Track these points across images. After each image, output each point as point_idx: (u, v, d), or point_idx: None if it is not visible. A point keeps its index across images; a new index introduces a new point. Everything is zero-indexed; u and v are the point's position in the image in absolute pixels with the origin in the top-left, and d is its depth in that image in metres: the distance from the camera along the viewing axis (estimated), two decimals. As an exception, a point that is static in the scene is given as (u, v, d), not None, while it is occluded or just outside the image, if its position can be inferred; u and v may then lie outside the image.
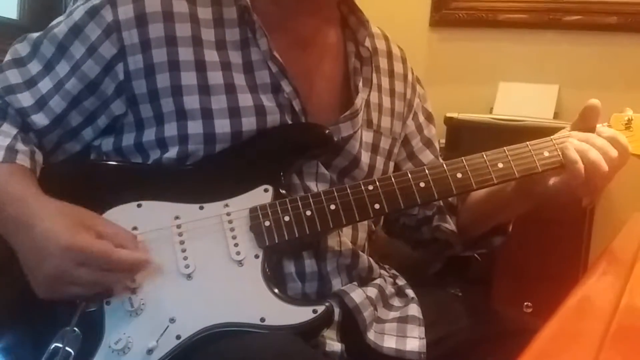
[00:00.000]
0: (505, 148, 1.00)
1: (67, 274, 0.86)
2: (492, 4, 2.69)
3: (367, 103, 1.10)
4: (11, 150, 0.95)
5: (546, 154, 1.00)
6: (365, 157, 1.08)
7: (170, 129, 0.97)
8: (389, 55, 1.18)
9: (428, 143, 1.20)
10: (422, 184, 0.97)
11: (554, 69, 2.61)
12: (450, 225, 1.15)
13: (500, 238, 1.14)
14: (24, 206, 0.90)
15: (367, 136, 1.09)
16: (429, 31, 2.80)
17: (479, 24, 2.71)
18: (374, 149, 1.10)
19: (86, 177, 0.93)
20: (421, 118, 1.21)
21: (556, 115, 2.50)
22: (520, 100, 2.53)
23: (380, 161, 1.11)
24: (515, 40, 2.68)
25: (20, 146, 0.97)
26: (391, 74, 1.17)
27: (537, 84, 2.57)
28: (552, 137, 1.02)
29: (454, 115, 2.43)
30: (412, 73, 1.22)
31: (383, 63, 1.16)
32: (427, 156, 1.19)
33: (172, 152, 0.97)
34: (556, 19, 2.60)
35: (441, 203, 1.16)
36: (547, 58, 2.63)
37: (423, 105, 1.22)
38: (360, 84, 1.08)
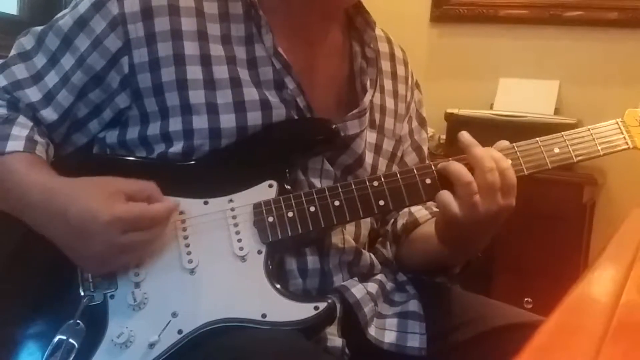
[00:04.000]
0: (514, 144, 0.99)
1: (116, 244, 0.88)
2: (493, 0, 2.69)
3: (371, 104, 1.09)
4: (31, 141, 0.96)
5: (557, 150, 1.00)
6: (368, 158, 1.08)
7: (175, 124, 0.97)
8: (392, 57, 1.18)
9: (417, 148, 1.20)
10: (428, 181, 0.97)
11: (554, 64, 2.61)
12: (387, 252, 1.14)
13: (442, 278, 1.13)
14: (49, 191, 0.90)
15: (371, 137, 1.09)
16: (430, 27, 2.79)
17: (479, 20, 2.71)
18: (377, 150, 1.11)
19: (91, 171, 0.94)
20: (414, 123, 1.21)
21: (557, 111, 2.50)
22: (520, 96, 2.53)
23: (382, 162, 1.11)
24: (515, 36, 2.68)
25: (38, 137, 0.98)
26: (394, 76, 1.17)
27: (537, 79, 2.57)
28: (563, 133, 1.01)
29: (455, 111, 2.43)
30: (412, 77, 1.22)
31: (386, 65, 1.16)
32: (413, 159, 1.19)
33: (178, 147, 0.97)
34: (557, 14, 2.60)
35: (389, 229, 1.16)
36: (548, 54, 2.63)
37: (418, 110, 1.22)
38: (368, 84, 1.08)
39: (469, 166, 0.94)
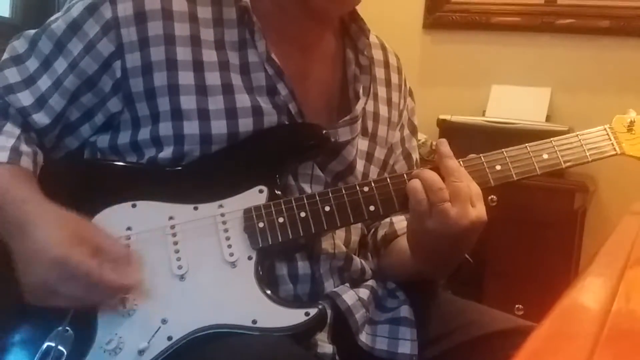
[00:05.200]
0: (503, 150, 1.00)
1: (51, 285, 0.85)
2: (486, 7, 2.70)
3: (364, 111, 1.09)
4: (16, 152, 0.95)
5: (545, 156, 1.00)
6: (359, 165, 1.08)
7: (166, 128, 0.97)
8: (386, 65, 1.18)
9: (407, 156, 1.21)
10: None
11: (546, 72, 2.62)
12: (369, 262, 1.13)
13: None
14: (24, 210, 0.89)
15: (363, 144, 1.09)
16: (423, 33, 2.80)
17: (472, 27, 2.72)
18: (369, 157, 1.10)
19: (81, 176, 0.93)
20: (406, 131, 1.21)
21: (548, 118, 2.51)
22: (512, 103, 2.54)
23: (374, 170, 1.11)
24: (508, 43, 2.69)
25: (24, 147, 0.97)
26: (388, 83, 1.17)
27: (529, 86, 2.58)
28: (552, 139, 1.02)
29: (447, 117, 2.44)
30: (406, 85, 1.22)
31: (380, 73, 1.16)
32: (402, 167, 1.19)
33: (168, 152, 0.97)
34: (549, 22, 2.61)
35: (369, 240, 1.16)
36: (540, 61, 2.64)
37: (410, 118, 1.22)
38: (360, 91, 1.08)
39: (441, 176, 0.95)
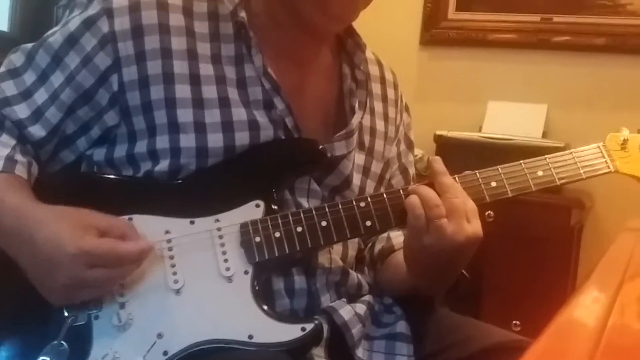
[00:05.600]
0: (498, 167, 1.01)
1: (81, 278, 0.86)
2: (482, 24, 2.71)
3: (360, 126, 1.10)
4: (10, 160, 0.95)
5: (540, 173, 1.01)
6: (356, 179, 1.08)
7: (162, 142, 0.97)
8: (382, 80, 1.19)
9: (404, 171, 1.21)
10: None
11: (542, 88, 2.63)
12: (366, 277, 1.13)
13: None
14: (22, 216, 0.89)
15: (359, 158, 1.10)
16: (419, 50, 2.81)
17: (468, 44, 2.73)
18: (365, 172, 1.11)
19: (78, 190, 0.93)
20: (402, 146, 1.22)
21: (545, 135, 2.52)
22: (509, 119, 2.55)
23: (370, 185, 1.11)
24: (504, 60, 2.70)
25: (19, 157, 0.97)
26: (384, 98, 1.17)
27: (525, 103, 2.59)
28: (546, 156, 1.03)
29: (444, 133, 2.45)
30: (402, 100, 1.22)
31: (376, 88, 1.17)
32: (399, 182, 1.19)
33: (164, 165, 0.97)
34: (545, 39, 2.62)
35: (366, 254, 1.16)
36: (536, 78, 2.65)
37: (406, 134, 1.23)
38: (356, 105, 1.09)
39: (437, 192, 0.95)
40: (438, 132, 2.45)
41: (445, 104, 2.76)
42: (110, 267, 0.87)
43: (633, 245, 1.02)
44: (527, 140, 2.37)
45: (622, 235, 1.14)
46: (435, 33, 2.77)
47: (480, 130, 2.56)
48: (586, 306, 0.70)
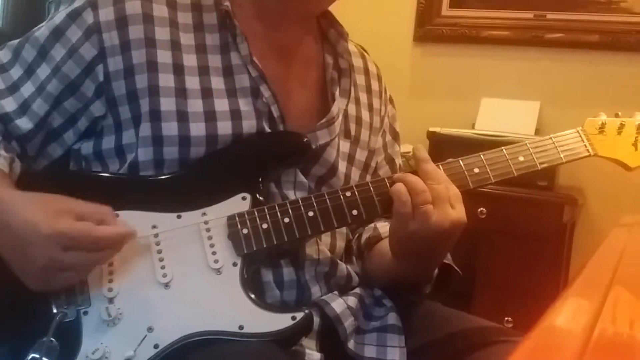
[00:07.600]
0: (480, 153, 1.02)
1: (56, 261, 0.85)
2: (476, 21, 2.72)
3: (346, 114, 1.11)
4: None
5: (521, 158, 1.02)
6: (342, 167, 1.09)
7: (145, 129, 0.97)
8: (366, 72, 1.19)
9: (391, 161, 1.22)
10: None
11: (535, 85, 2.64)
12: (354, 266, 1.13)
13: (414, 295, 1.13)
14: (0, 204, 0.88)
15: (344, 146, 1.10)
16: (413, 46, 2.82)
17: (462, 40, 2.74)
18: (350, 159, 1.11)
19: (64, 187, 0.93)
20: (388, 137, 1.22)
21: (537, 132, 2.52)
22: (502, 116, 2.55)
23: (355, 172, 1.12)
24: (498, 57, 2.71)
25: (2, 152, 0.96)
26: (368, 90, 1.18)
27: (519, 100, 2.60)
28: (526, 141, 1.05)
29: (437, 129, 2.45)
30: (386, 92, 1.23)
31: (360, 79, 1.17)
32: (386, 172, 1.20)
33: (148, 153, 0.97)
34: (538, 36, 2.63)
35: (354, 244, 1.16)
36: (529, 75, 2.66)
37: (392, 125, 1.24)
38: (337, 93, 1.09)
39: (421, 179, 0.97)
40: (431, 129, 2.46)
41: (439, 100, 2.76)
42: (87, 250, 0.86)
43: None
44: (520, 137, 2.36)
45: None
46: (429, 30, 2.78)
47: (473, 127, 2.56)
48: (577, 303, 0.70)
